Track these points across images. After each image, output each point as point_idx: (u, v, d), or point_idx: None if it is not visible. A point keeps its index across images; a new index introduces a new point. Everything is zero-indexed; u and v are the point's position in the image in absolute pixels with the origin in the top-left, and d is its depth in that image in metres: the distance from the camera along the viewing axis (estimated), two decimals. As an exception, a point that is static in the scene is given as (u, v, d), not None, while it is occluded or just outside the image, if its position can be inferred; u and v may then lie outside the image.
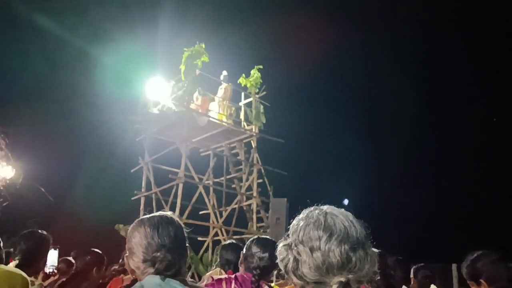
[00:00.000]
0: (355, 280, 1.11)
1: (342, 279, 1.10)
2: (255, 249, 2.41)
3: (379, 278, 1.15)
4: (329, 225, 1.14)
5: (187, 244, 1.72)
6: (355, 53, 19.80)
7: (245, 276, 2.33)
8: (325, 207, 1.20)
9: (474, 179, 17.71)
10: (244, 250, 2.48)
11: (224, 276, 2.45)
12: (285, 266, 1.17)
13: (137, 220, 1.71)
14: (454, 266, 10.88)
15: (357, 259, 1.11)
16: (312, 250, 1.12)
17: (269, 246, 2.43)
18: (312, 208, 1.21)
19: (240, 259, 2.50)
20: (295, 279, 1.16)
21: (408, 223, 18.42)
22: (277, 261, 1.21)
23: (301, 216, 1.21)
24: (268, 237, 2.57)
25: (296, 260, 1.14)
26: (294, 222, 1.21)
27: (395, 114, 19.79)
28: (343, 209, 1.20)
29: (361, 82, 20.10)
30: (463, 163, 19.01)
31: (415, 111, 19.82)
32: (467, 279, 2.56)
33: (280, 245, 1.20)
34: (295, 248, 1.15)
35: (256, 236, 2.54)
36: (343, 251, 1.10)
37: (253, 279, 2.31)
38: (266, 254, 2.38)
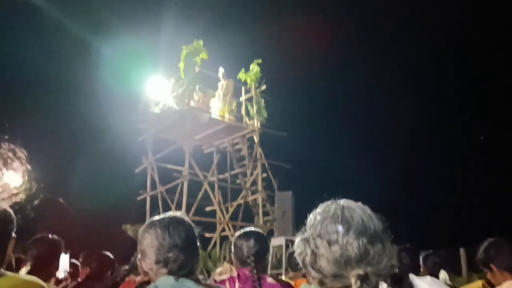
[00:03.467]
0: (373, 273, 1.11)
1: (361, 272, 1.10)
2: (240, 242, 2.43)
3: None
4: (346, 218, 1.14)
5: (198, 244, 1.72)
6: (355, 44, 19.75)
7: (246, 272, 2.33)
8: (342, 201, 1.20)
9: (482, 162, 17.71)
10: (232, 249, 2.48)
11: (225, 276, 2.45)
12: (303, 260, 1.17)
13: (147, 222, 1.71)
14: (462, 250, 10.91)
15: (375, 252, 1.11)
16: (330, 243, 1.12)
17: (252, 234, 2.46)
18: (328, 202, 1.21)
19: (233, 261, 2.51)
20: (313, 273, 1.16)
21: (413, 210, 18.45)
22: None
23: (318, 210, 1.21)
24: (250, 228, 2.58)
25: (314, 254, 1.14)
26: (311, 216, 1.21)
27: (399, 104, 19.78)
28: (360, 203, 1.20)
29: (363, 72, 20.06)
30: (469, 149, 19.01)
31: (418, 101, 19.85)
32: (480, 265, 2.63)
33: (298, 239, 1.20)
34: (312, 241, 1.15)
35: (237, 233, 2.56)
36: (361, 244, 1.10)
37: (250, 266, 2.30)
38: (252, 241, 2.39)
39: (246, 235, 2.44)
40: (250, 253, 2.35)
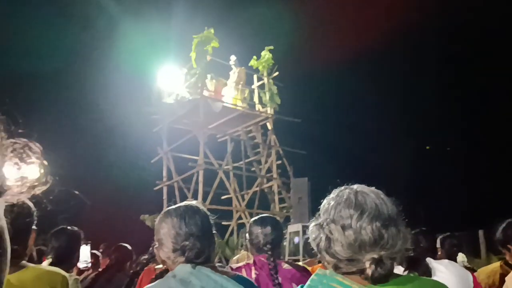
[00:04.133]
0: (387, 257, 1.11)
1: (375, 256, 1.10)
2: (256, 229, 2.41)
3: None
4: (360, 203, 1.15)
5: (214, 231, 1.74)
6: (370, 28, 19.45)
7: (262, 259, 2.33)
8: (355, 186, 1.21)
9: (501, 143, 17.46)
10: (247, 236, 2.48)
11: (242, 263, 2.46)
12: (317, 245, 1.18)
13: (163, 211, 1.73)
14: (480, 232, 10.83)
15: (389, 236, 1.11)
16: (343, 228, 1.13)
17: (268, 220, 2.45)
18: (342, 188, 1.22)
19: (248, 247, 2.51)
20: (328, 257, 1.16)
21: (431, 192, 18.31)
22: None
23: (331, 195, 1.22)
24: (265, 214, 2.58)
25: (328, 239, 1.15)
26: (325, 201, 1.22)
27: (415, 87, 19.55)
28: (373, 187, 1.20)
29: (378, 56, 19.78)
30: (486, 131, 18.72)
31: (435, 83, 19.61)
32: (499, 245, 2.61)
33: (312, 225, 1.21)
34: (326, 227, 1.16)
35: (251, 219, 2.55)
36: (375, 228, 1.11)
37: (267, 254, 2.31)
38: (268, 228, 2.38)
39: (262, 222, 2.43)
40: (266, 241, 2.35)
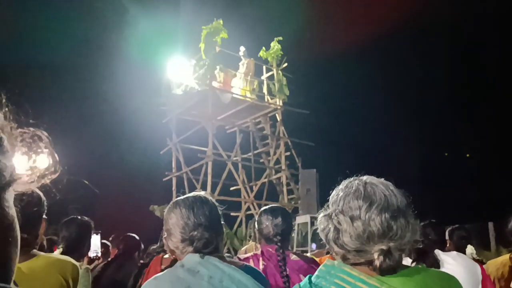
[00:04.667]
0: (396, 248, 1.11)
1: (383, 247, 1.10)
2: (266, 219, 2.39)
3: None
4: (369, 194, 1.14)
5: (222, 222, 1.74)
6: (378, 19, 19.26)
7: (270, 250, 2.32)
8: (365, 177, 1.20)
9: (509, 138, 17.29)
10: (256, 225, 2.46)
11: (250, 254, 2.46)
12: (326, 236, 1.18)
13: (172, 202, 1.74)
14: (490, 224, 10.78)
15: (398, 228, 1.11)
16: (352, 219, 1.13)
17: (278, 211, 2.43)
18: (351, 179, 1.21)
19: (257, 237, 2.50)
20: (336, 248, 1.16)
21: (440, 185, 18.22)
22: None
23: (340, 186, 1.21)
24: (274, 205, 2.57)
25: (336, 230, 1.15)
26: (334, 192, 1.21)
27: (424, 77, 19.37)
28: (382, 179, 1.20)
29: (386, 47, 19.60)
30: (496, 123, 18.53)
31: (444, 73, 19.39)
32: (510, 237, 2.60)
33: (321, 215, 1.21)
34: (335, 218, 1.16)
35: (262, 209, 2.54)
36: (384, 220, 1.10)
37: (276, 246, 2.31)
38: (279, 218, 2.36)
39: (273, 213, 2.41)
40: (276, 231, 2.33)
